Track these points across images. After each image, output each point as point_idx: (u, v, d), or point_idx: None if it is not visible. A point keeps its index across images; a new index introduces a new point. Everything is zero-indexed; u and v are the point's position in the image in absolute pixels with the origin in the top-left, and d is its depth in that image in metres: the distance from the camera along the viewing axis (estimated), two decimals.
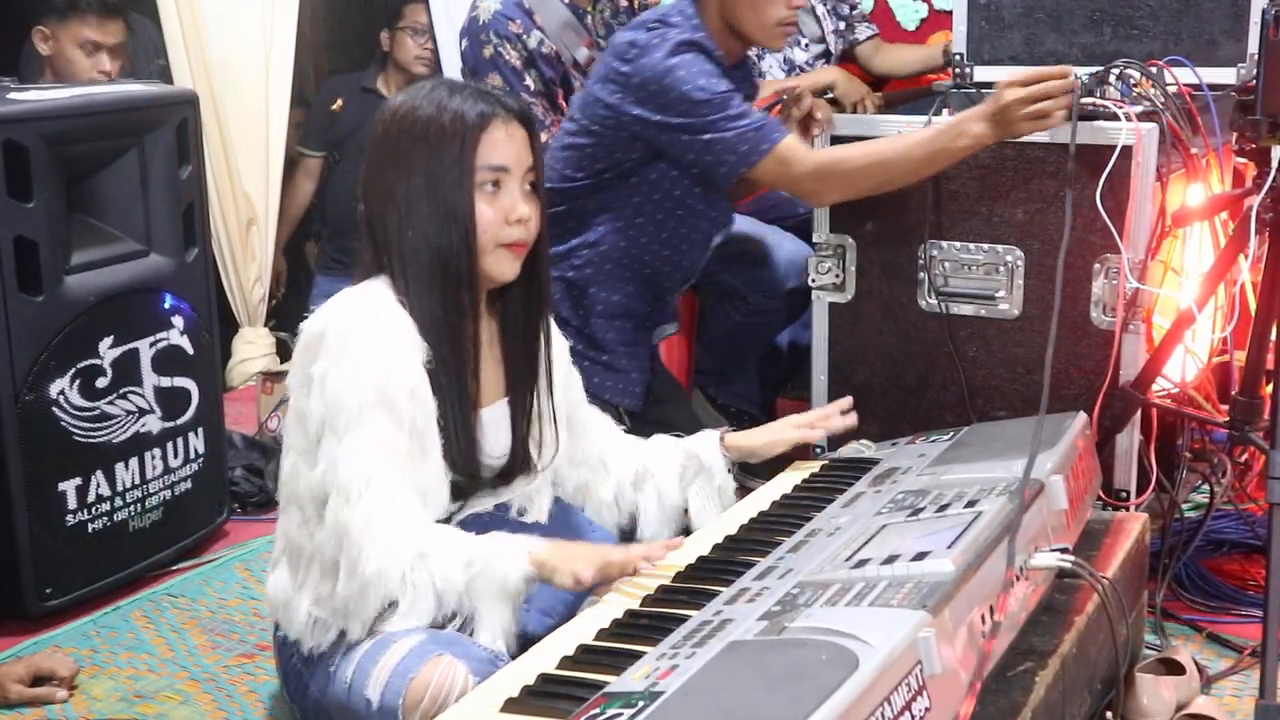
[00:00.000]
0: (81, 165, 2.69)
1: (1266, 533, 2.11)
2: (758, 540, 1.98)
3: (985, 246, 2.64)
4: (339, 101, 4.60)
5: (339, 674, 1.86)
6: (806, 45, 3.77)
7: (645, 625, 1.72)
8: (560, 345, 2.21)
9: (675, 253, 2.85)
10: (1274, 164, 2.22)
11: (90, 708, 2.30)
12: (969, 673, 1.49)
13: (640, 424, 2.59)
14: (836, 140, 2.72)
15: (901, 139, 2.54)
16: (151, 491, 2.81)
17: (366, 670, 1.80)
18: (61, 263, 2.61)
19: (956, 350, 2.68)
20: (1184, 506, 2.70)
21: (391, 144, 1.96)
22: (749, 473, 2.65)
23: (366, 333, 1.88)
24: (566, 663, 1.64)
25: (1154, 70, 2.55)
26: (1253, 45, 2.73)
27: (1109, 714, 1.96)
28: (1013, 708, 1.63)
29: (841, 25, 3.86)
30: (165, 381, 2.83)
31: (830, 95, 3.53)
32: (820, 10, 3.80)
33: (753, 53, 3.66)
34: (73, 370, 2.62)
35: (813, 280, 2.81)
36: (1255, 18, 2.71)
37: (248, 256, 4.23)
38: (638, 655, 1.56)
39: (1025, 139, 2.51)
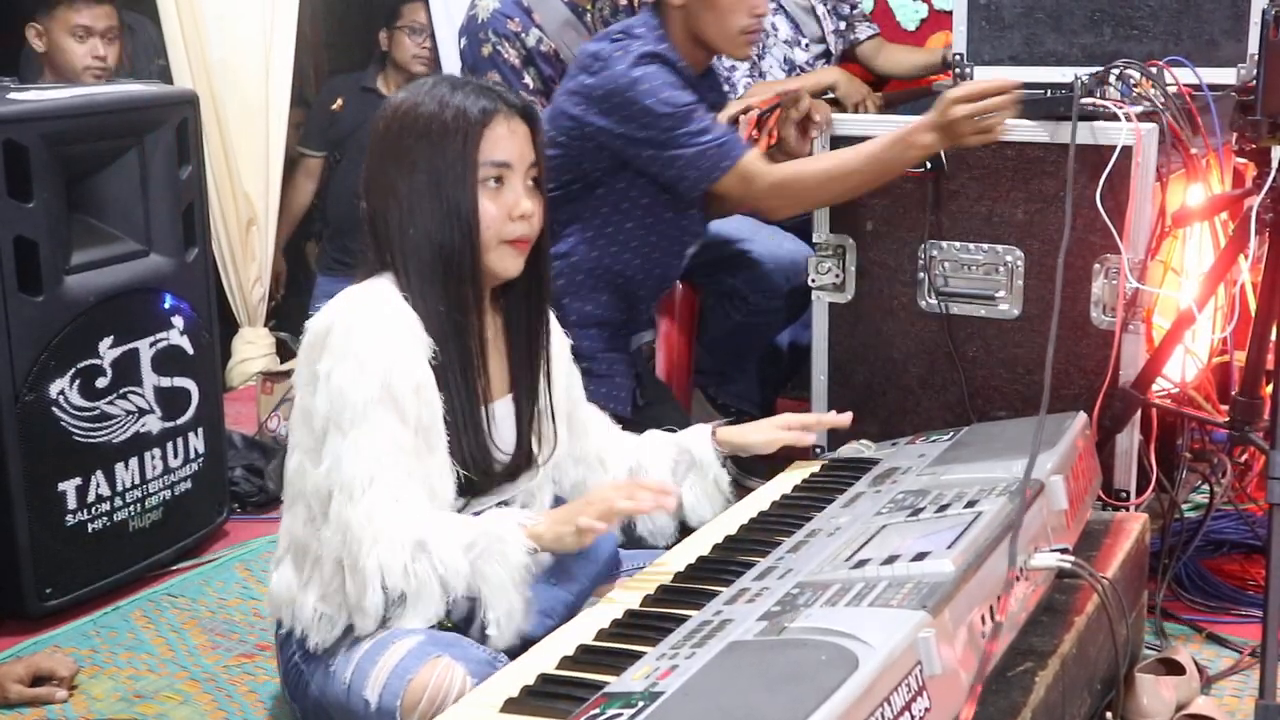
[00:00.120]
0: (81, 165, 2.69)
1: (1266, 533, 2.11)
2: (758, 540, 1.98)
3: (985, 246, 2.64)
4: (339, 101, 4.60)
5: (338, 674, 1.86)
6: (807, 45, 3.77)
7: (645, 625, 1.72)
8: (561, 342, 2.21)
9: (647, 261, 2.85)
10: (1274, 164, 2.22)
11: (90, 708, 2.30)
12: (969, 673, 1.49)
13: (631, 428, 2.59)
14: (837, 141, 2.72)
15: (853, 153, 2.60)
16: (151, 491, 2.81)
17: (365, 671, 1.80)
18: (61, 263, 2.61)
19: (956, 350, 2.68)
20: (1184, 506, 2.70)
21: (394, 141, 1.97)
22: (749, 472, 2.66)
23: (371, 329, 1.88)
24: (566, 663, 1.64)
25: (1154, 70, 2.55)
26: (1253, 45, 2.73)
27: (1109, 714, 1.96)
28: (1013, 708, 1.63)
29: (842, 25, 3.86)
30: (165, 381, 2.83)
31: (831, 96, 3.53)
32: (820, 10, 3.79)
33: (752, 54, 3.67)
34: (73, 370, 2.62)
35: (813, 280, 2.81)
36: (1255, 18, 2.72)
37: (248, 256, 4.23)
38: (638, 655, 1.56)
39: (1025, 139, 2.52)
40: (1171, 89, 2.54)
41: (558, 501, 2.20)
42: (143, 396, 2.77)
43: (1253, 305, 2.41)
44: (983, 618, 1.59)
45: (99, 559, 2.70)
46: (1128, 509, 2.52)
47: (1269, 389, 2.30)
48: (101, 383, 2.68)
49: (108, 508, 2.71)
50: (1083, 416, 2.21)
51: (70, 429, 2.63)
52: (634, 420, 2.55)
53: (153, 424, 2.80)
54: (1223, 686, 2.26)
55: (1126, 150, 2.43)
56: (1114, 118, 2.45)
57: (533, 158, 2.00)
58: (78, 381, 2.63)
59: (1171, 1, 2.83)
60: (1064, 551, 1.81)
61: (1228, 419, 2.37)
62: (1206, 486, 2.67)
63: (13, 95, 2.65)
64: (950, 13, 3.32)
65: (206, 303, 2.96)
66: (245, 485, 3.22)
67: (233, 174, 4.12)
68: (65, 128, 2.62)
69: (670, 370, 3.29)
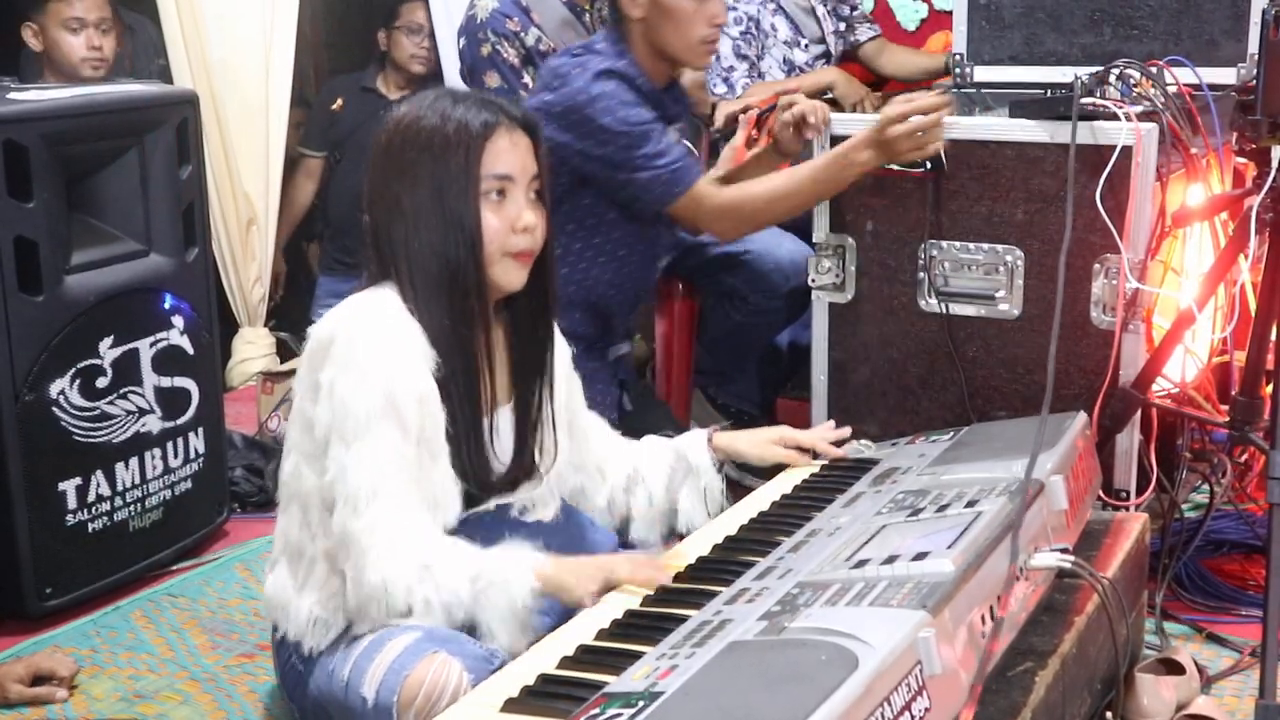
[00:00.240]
0: (81, 165, 2.69)
1: (1266, 533, 2.10)
2: (758, 540, 1.98)
3: (985, 246, 2.64)
4: (339, 101, 4.60)
5: (336, 672, 1.86)
6: (806, 46, 3.77)
7: (645, 625, 1.72)
8: (562, 351, 2.21)
9: (617, 275, 2.86)
10: (1274, 164, 2.22)
11: (90, 708, 2.30)
12: (969, 673, 1.49)
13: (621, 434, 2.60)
14: (835, 141, 2.73)
15: (796, 174, 2.70)
16: (151, 491, 2.81)
17: (362, 668, 1.81)
18: (61, 263, 2.61)
19: (956, 350, 2.68)
20: (1184, 506, 2.70)
21: (396, 154, 1.96)
22: (749, 473, 2.66)
23: (374, 341, 1.88)
24: (566, 663, 1.64)
25: (1154, 70, 2.55)
26: (1253, 45, 2.74)
27: (1109, 714, 1.96)
28: (1013, 708, 1.63)
29: (842, 26, 3.86)
30: (165, 381, 2.83)
31: (829, 96, 3.53)
32: (820, 11, 3.79)
33: (751, 54, 3.68)
34: (73, 370, 2.62)
35: (813, 280, 2.81)
36: (1255, 18, 2.72)
37: (248, 256, 4.23)
38: (637, 655, 1.56)
39: (1025, 139, 2.53)
40: (1171, 89, 2.54)
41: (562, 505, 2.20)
42: (143, 396, 2.77)
43: (1253, 305, 2.41)
44: (983, 618, 1.59)
45: (99, 559, 2.70)
46: (1128, 509, 2.51)
47: (1269, 389, 2.30)
48: (102, 383, 2.68)
49: (108, 508, 2.71)
50: (1083, 416, 2.21)
51: (70, 429, 2.63)
52: (621, 427, 2.55)
53: (153, 424, 2.80)
54: (1223, 686, 2.26)
55: (1126, 150, 2.43)
56: (1114, 118, 2.45)
57: (535, 170, 2.00)
58: (78, 381, 2.63)
59: (1171, 1, 2.83)
60: (1064, 551, 1.81)
61: (1228, 419, 2.37)
62: (1206, 486, 2.67)
63: (13, 95, 2.65)
64: (950, 13, 3.32)
65: (206, 303, 2.95)
66: (245, 485, 3.22)
67: (233, 174, 4.12)
68: (65, 128, 2.62)
69: (670, 370, 3.29)
